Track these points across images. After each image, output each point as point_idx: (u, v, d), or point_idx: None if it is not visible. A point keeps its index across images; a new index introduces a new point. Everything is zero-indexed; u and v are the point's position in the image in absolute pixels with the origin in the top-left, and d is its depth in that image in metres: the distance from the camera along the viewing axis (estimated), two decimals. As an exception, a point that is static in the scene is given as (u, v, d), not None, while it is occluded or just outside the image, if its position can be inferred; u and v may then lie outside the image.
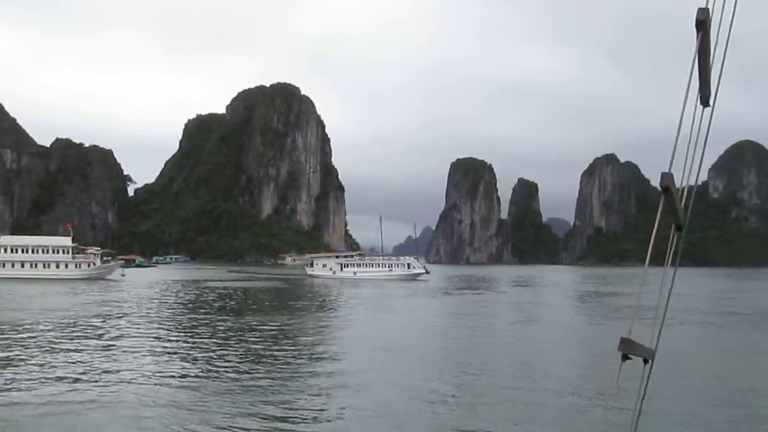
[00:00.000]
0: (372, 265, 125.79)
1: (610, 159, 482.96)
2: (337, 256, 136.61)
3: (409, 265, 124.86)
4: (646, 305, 3.01)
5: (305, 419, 17.60)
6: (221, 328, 37.99)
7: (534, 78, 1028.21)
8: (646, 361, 2.94)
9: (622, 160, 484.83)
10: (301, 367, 25.46)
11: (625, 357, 2.93)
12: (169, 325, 39.17)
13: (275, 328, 38.43)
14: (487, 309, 60.01)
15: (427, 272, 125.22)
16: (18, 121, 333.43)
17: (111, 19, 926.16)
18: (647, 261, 3.13)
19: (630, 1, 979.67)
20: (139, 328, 36.61)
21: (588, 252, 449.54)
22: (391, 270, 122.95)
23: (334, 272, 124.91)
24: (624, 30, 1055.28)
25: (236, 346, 30.74)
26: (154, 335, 33.51)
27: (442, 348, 32.06)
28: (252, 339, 33.27)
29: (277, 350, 29.59)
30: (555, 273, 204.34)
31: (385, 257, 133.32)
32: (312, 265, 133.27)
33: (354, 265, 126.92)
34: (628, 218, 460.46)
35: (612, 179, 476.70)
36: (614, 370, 2.78)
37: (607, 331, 40.64)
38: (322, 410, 18.69)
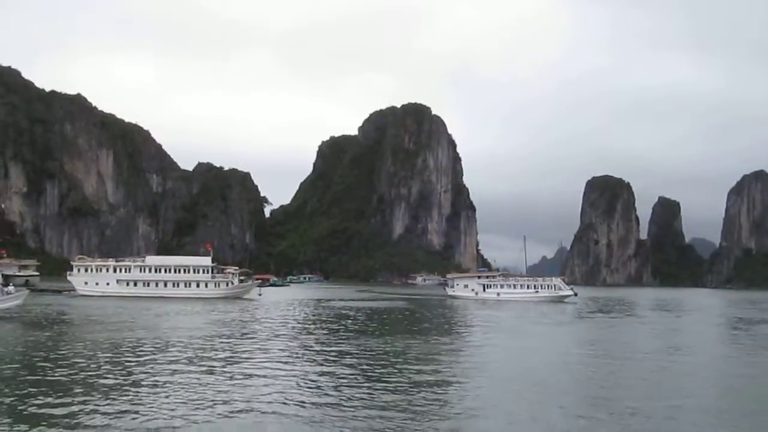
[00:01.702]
0: (517, 286, 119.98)
1: (759, 176, 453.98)
2: (479, 276, 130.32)
3: (556, 286, 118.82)
4: None
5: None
6: (354, 351, 35.65)
7: (674, 89, 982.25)
8: None
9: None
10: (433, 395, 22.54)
11: None
12: (294, 347, 37.38)
13: (409, 352, 35.66)
14: (647, 335, 54.88)
15: (575, 294, 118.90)
16: (163, 147, 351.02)
17: (241, 42, 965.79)
18: None
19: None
20: (264, 350, 34.99)
21: (736, 275, 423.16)
22: (537, 291, 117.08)
23: (476, 293, 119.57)
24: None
25: (372, 369, 28.25)
26: (278, 357, 31.78)
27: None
28: (383, 362, 30.71)
29: (406, 375, 26.78)
30: (702, 297, 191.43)
31: (530, 278, 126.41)
32: (453, 285, 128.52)
33: (497, 285, 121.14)
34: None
35: (762, 197, 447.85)
36: None
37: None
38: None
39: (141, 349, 33.78)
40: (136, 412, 19.36)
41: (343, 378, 26.04)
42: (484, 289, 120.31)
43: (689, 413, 21.40)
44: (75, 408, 19.94)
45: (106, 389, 22.91)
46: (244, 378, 25.20)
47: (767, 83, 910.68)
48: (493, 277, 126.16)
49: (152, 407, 20.01)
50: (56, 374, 25.87)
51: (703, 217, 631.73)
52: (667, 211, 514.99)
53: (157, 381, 24.60)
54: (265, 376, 25.52)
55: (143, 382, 24.29)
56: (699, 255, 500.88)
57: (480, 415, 19.56)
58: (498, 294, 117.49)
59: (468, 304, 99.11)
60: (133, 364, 28.26)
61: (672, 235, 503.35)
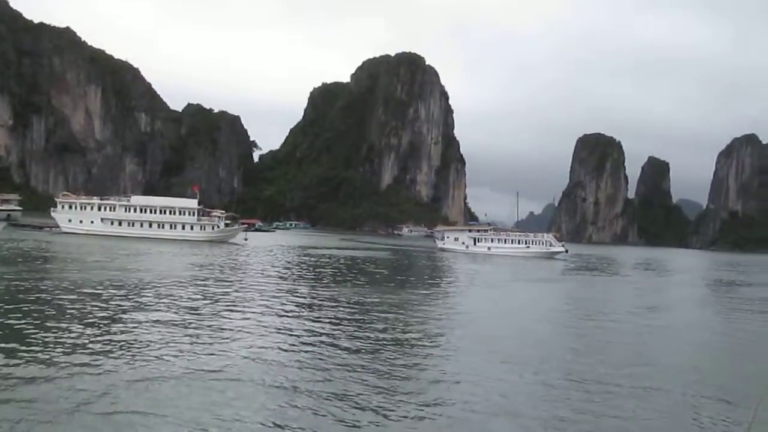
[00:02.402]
0: (508, 241, 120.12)
1: (750, 139, 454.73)
2: (470, 230, 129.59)
3: (547, 242, 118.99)
4: None
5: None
6: (332, 302, 35.10)
7: (675, 51, 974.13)
8: None
9: (765, 141, 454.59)
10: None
11: None
12: (278, 296, 36.69)
13: (394, 304, 35.23)
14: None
15: (566, 251, 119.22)
16: (152, 86, 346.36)
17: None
18: None
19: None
20: (234, 300, 34.08)
21: (720, 237, 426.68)
22: (528, 247, 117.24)
23: (466, 246, 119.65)
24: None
25: (353, 325, 27.79)
26: (246, 307, 30.90)
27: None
28: (365, 318, 30.27)
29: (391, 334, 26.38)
30: (687, 257, 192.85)
31: (522, 233, 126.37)
32: (443, 237, 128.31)
33: (488, 240, 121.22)
34: (767, 203, 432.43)
35: (752, 161, 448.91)
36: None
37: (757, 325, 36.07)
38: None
39: (107, 291, 32.46)
40: (87, 365, 17.50)
41: (310, 333, 25.36)
42: (474, 243, 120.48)
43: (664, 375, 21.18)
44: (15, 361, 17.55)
45: (58, 337, 21.20)
46: (211, 330, 24.26)
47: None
48: (484, 231, 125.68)
49: (111, 360, 18.30)
50: (9, 318, 23.65)
51: (692, 179, 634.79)
52: (656, 170, 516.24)
53: (117, 329, 22.99)
54: (230, 329, 24.51)
55: (100, 333, 22.38)
56: (685, 216, 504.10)
57: (444, 379, 18.93)
58: (489, 248, 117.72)
59: (457, 257, 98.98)
60: (95, 308, 26.88)
61: (660, 195, 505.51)
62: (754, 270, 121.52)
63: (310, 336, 23.96)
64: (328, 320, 27.96)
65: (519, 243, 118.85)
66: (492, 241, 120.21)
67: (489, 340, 25.20)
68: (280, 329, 25.02)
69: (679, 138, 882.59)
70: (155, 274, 42.54)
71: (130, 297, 31.04)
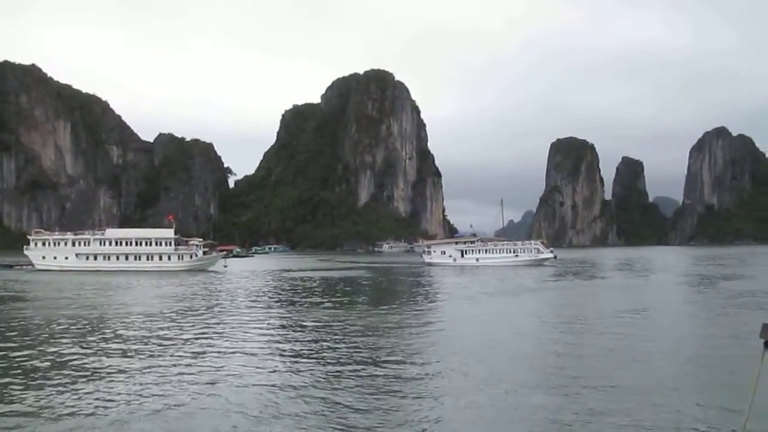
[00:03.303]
0: (496, 251, 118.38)
1: (720, 132, 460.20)
2: (456, 242, 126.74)
3: (536, 249, 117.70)
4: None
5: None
6: (311, 323, 34.38)
7: (638, 46, 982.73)
8: None
9: (734, 133, 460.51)
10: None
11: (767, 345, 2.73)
12: (258, 319, 35.82)
13: (362, 325, 34.53)
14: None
15: (555, 257, 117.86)
16: (123, 118, 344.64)
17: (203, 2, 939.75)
18: None
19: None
20: (208, 326, 33.27)
21: (699, 231, 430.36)
22: (517, 255, 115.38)
23: (454, 259, 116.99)
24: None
25: (332, 342, 27.08)
26: (220, 334, 30.08)
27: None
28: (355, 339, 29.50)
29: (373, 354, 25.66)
30: (667, 254, 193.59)
31: (510, 242, 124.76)
32: (429, 251, 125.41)
33: (476, 251, 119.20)
34: (742, 195, 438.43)
35: (723, 154, 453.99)
36: (755, 359, 2.60)
37: (736, 321, 34.83)
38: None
39: (69, 329, 31.25)
40: (52, 407, 16.76)
41: (289, 356, 24.66)
42: (462, 255, 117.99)
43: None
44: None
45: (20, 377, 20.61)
46: (186, 357, 23.46)
47: (733, 40, 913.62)
48: (471, 242, 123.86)
49: (75, 399, 17.61)
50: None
51: (667, 176, 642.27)
52: (630, 170, 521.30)
53: (82, 366, 22.21)
54: (203, 353, 23.70)
55: (61, 370, 21.76)
56: (662, 213, 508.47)
57: (427, 394, 18.29)
58: (477, 260, 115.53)
59: (445, 271, 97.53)
60: (55, 348, 25.76)
61: (636, 194, 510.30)
62: (732, 262, 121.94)
63: (281, 365, 23.19)
64: (301, 347, 27.17)
65: (507, 252, 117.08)
66: (480, 252, 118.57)
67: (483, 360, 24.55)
68: (259, 364, 24.19)
69: (651, 135, 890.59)
70: (124, 309, 41.14)
71: (92, 335, 29.83)
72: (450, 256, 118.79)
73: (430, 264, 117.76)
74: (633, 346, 26.19)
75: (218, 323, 33.84)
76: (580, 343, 26.86)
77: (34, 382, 19.58)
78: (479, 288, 61.24)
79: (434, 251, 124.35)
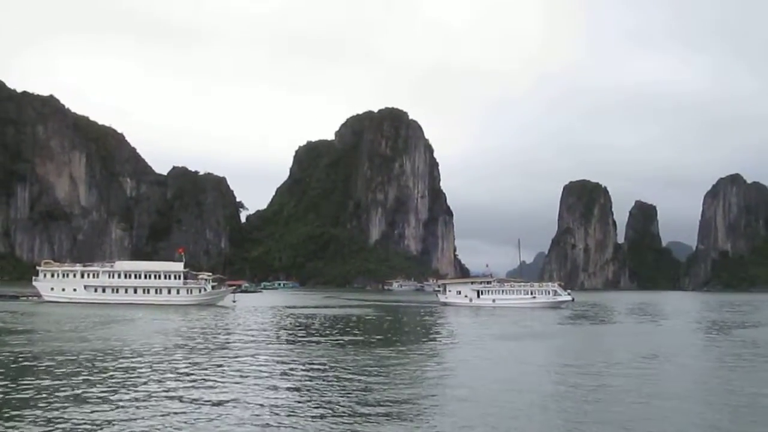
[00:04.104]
0: (513, 292, 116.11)
1: (735, 179, 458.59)
2: (473, 282, 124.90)
3: (554, 291, 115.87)
4: None
5: None
6: (318, 363, 33.55)
7: (653, 88, 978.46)
8: None
9: (749, 179, 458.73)
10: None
11: None
12: (243, 361, 34.88)
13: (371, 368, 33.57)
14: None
15: (573, 300, 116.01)
16: (137, 150, 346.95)
17: (219, 32, 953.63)
18: None
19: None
20: (204, 366, 32.39)
21: (713, 277, 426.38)
22: (534, 297, 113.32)
23: (470, 299, 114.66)
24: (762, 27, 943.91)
25: (337, 381, 26.18)
26: (216, 374, 29.25)
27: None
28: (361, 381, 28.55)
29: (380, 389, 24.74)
30: (680, 299, 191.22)
31: (527, 283, 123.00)
32: (445, 291, 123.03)
33: (493, 291, 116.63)
34: (756, 241, 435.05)
35: (738, 201, 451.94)
36: None
37: (756, 369, 34.30)
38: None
39: (47, 363, 30.55)
40: None
41: (287, 397, 23.81)
42: (478, 296, 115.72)
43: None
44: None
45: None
46: (180, 402, 22.62)
47: (751, 85, 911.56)
48: (488, 282, 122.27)
49: None
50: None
51: (680, 221, 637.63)
52: (643, 214, 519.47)
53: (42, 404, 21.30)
54: (172, 398, 22.92)
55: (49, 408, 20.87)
56: (676, 258, 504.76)
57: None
58: (494, 300, 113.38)
59: (460, 312, 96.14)
60: (35, 384, 25.03)
61: (649, 238, 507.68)
62: (745, 309, 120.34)
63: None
64: (303, 388, 26.29)
65: (524, 293, 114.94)
66: (496, 293, 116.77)
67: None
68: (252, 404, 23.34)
69: (664, 179, 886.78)
70: (116, 344, 39.96)
71: (71, 371, 28.91)
72: (466, 296, 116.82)
73: (445, 303, 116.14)
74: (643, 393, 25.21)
75: (200, 364, 32.49)
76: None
77: None
78: (494, 330, 60.10)
79: (450, 291, 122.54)
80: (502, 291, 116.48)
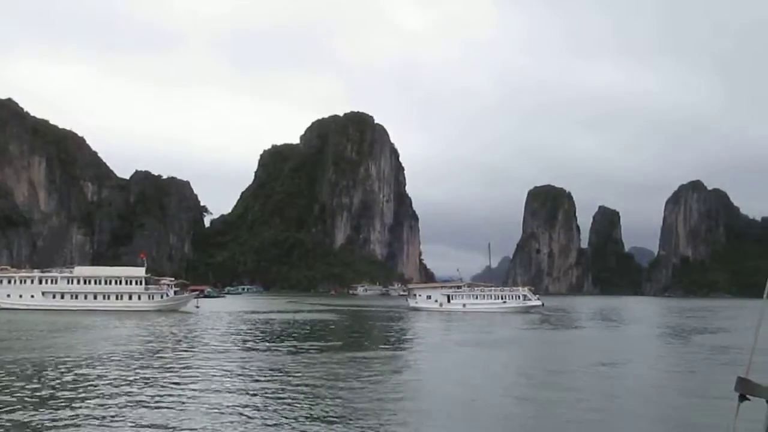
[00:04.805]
0: (483, 297, 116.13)
1: (696, 186, 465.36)
2: (443, 287, 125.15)
3: (524, 296, 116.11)
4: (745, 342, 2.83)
5: None
6: (280, 368, 33.20)
7: (616, 96, 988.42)
8: None
9: (710, 186, 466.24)
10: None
11: (742, 398, 2.75)
12: (192, 366, 34.37)
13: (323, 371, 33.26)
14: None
15: (542, 304, 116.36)
16: (99, 155, 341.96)
17: (180, 36, 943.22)
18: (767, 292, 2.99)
19: (737, 10, 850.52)
20: (147, 368, 31.87)
21: (674, 283, 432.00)
22: (504, 302, 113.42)
23: (440, 304, 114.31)
24: (739, 42, 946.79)
25: (292, 385, 25.79)
26: (163, 378, 28.75)
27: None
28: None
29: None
30: (641, 304, 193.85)
31: (497, 288, 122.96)
32: (415, 296, 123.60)
33: (463, 296, 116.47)
34: (716, 248, 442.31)
35: (698, 207, 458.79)
36: (729, 414, 2.65)
37: (713, 374, 34.98)
38: None
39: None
40: None
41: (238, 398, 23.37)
42: (448, 300, 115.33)
43: None
44: None
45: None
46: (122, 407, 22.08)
47: (708, 94, 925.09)
48: (458, 287, 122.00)
49: None
50: None
51: (643, 227, 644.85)
52: (607, 220, 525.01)
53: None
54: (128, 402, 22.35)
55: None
56: (638, 263, 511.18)
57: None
58: (464, 305, 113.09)
59: (431, 316, 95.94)
60: None
61: (612, 243, 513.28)
62: (703, 314, 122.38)
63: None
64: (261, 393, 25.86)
65: (495, 298, 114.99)
66: (467, 297, 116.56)
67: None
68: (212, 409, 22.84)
69: (627, 185, 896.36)
70: (65, 352, 39.07)
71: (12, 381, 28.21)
72: (436, 301, 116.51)
73: (415, 308, 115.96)
74: (605, 400, 25.25)
75: (148, 371, 31.86)
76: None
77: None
78: (461, 336, 60.12)
79: (419, 295, 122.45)
80: (473, 296, 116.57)
